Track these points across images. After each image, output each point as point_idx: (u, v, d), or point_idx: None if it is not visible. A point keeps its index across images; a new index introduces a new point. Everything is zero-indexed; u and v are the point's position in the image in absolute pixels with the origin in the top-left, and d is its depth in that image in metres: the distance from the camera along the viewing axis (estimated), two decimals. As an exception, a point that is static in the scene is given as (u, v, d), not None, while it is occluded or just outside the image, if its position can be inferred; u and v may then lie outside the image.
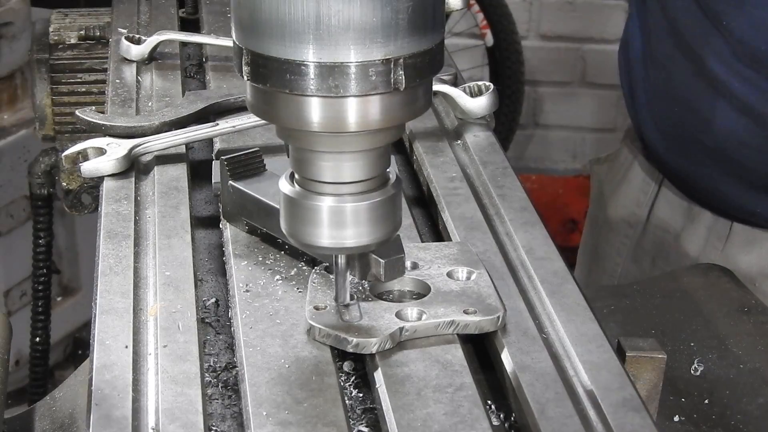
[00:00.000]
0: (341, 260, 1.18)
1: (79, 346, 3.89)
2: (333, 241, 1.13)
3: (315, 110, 1.04)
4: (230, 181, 1.41)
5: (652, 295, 1.82)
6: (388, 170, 1.14)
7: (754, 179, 2.01)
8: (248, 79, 1.06)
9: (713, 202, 2.10)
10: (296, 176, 1.14)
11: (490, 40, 4.79)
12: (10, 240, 3.56)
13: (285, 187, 1.14)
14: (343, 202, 1.11)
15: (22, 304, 3.60)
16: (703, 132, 2.02)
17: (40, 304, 2.92)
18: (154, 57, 1.92)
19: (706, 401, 1.56)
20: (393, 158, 1.17)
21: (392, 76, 1.02)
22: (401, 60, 1.02)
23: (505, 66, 4.79)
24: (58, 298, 3.77)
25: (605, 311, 1.74)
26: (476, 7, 4.79)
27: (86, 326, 3.73)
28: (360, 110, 1.04)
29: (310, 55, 1.01)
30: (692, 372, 1.60)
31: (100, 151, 1.56)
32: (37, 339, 2.94)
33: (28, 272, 3.08)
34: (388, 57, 1.01)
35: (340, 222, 1.12)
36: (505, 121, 4.80)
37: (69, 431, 1.35)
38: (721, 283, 1.84)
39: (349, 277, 1.20)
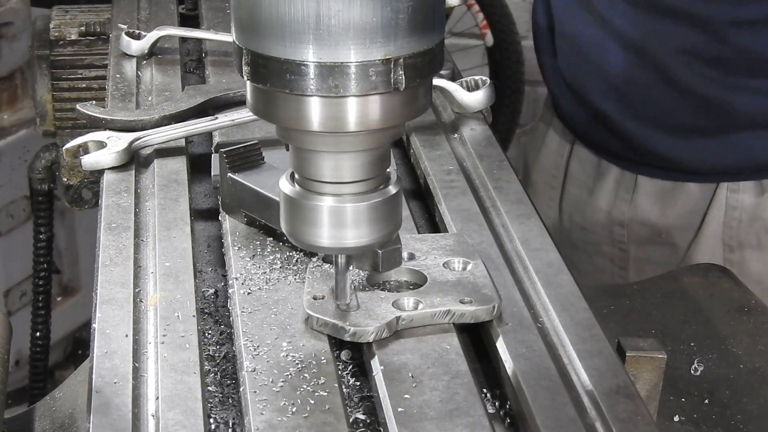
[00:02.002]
0: (341, 260, 1.19)
1: (79, 346, 3.90)
2: (333, 241, 1.13)
3: (315, 110, 1.05)
4: (229, 174, 1.42)
5: (651, 295, 1.82)
6: (388, 170, 1.15)
7: (647, 116, 2.08)
8: (248, 79, 1.06)
9: (619, 151, 2.18)
10: (296, 176, 1.14)
11: (490, 40, 4.79)
12: (10, 240, 3.56)
13: (285, 186, 1.14)
14: (343, 202, 1.12)
15: (22, 304, 3.60)
16: (598, 73, 2.11)
17: (40, 301, 2.92)
18: (154, 52, 1.94)
19: (706, 401, 1.56)
20: (391, 152, 1.18)
21: (392, 76, 1.03)
22: (401, 60, 1.03)
23: (505, 66, 4.79)
24: (58, 298, 3.77)
25: (605, 311, 1.75)
26: (476, 7, 4.79)
27: (86, 326, 3.73)
28: (360, 110, 1.05)
29: (310, 55, 1.01)
30: (692, 372, 1.60)
31: (101, 145, 1.57)
32: (38, 334, 2.94)
33: (28, 272, 3.08)
34: (388, 57, 1.02)
35: (340, 222, 1.12)
36: (505, 121, 4.80)
37: (69, 431, 1.36)
38: (721, 283, 1.84)
39: (349, 278, 1.21)
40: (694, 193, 2.13)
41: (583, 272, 2.30)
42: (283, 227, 1.16)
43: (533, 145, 2.37)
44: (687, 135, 2.08)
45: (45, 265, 2.85)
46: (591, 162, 2.24)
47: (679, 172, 2.13)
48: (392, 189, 1.14)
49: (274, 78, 1.04)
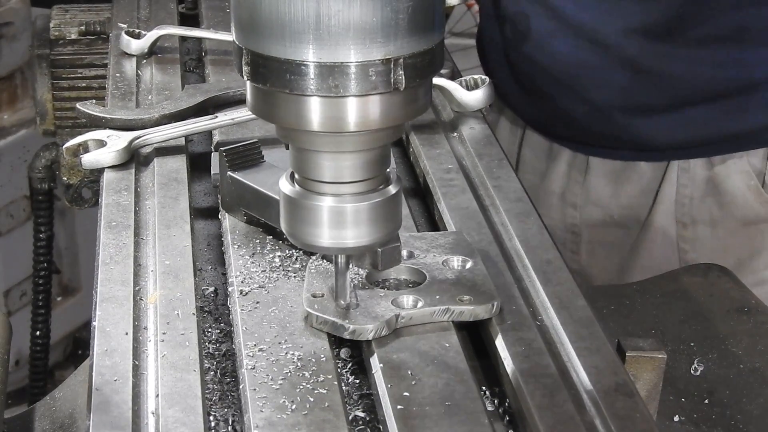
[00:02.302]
0: (341, 260, 1.19)
1: (79, 346, 3.89)
2: (333, 241, 1.14)
3: (315, 110, 1.05)
4: (229, 172, 1.43)
5: (651, 295, 1.82)
6: (388, 170, 1.15)
7: (598, 99, 2.09)
8: (248, 79, 1.06)
9: (570, 136, 2.20)
10: (296, 176, 1.14)
11: (490, 40, 4.79)
12: (10, 240, 3.56)
13: (285, 187, 1.15)
14: (343, 202, 1.12)
15: (22, 304, 3.60)
16: (546, 62, 2.12)
17: (40, 300, 2.92)
18: (153, 51, 1.94)
19: (706, 401, 1.56)
20: (390, 152, 1.18)
21: (392, 76, 1.03)
22: (401, 60, 1.03)
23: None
24: (58, 298, 3.77)
25: (605, 311, 1.75)
26: (476, 7, 4.79)
27: (86, 326, 3.73)
28: (360, 110, 1.05)
29: (310, 55, 1.01)
30: (692, 372, 1.60)
31: (101, 143, 1.57)
32: (38, 333, 2.94)
33: (28, 272, 3.08)
34: (388, 57, 1.02)
35: (340, 222, 1.13)
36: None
37: (69, 431, 1.36)
38: (721, 282, 1.84)
39: (349, 277, 1.21)
40: (646, 172, 2.14)
41: None
42: (283, 227, 1.17)
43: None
44: (639, 113, 2.09)
45: (45, 265, 2.86)
46: (542, 146, 2.26)
47: (630, 150, 2.14)
48: (392, 189, 1.14)
49: (274, 78, 1.04)
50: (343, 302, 1.22)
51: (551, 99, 2.16)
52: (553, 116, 2.19)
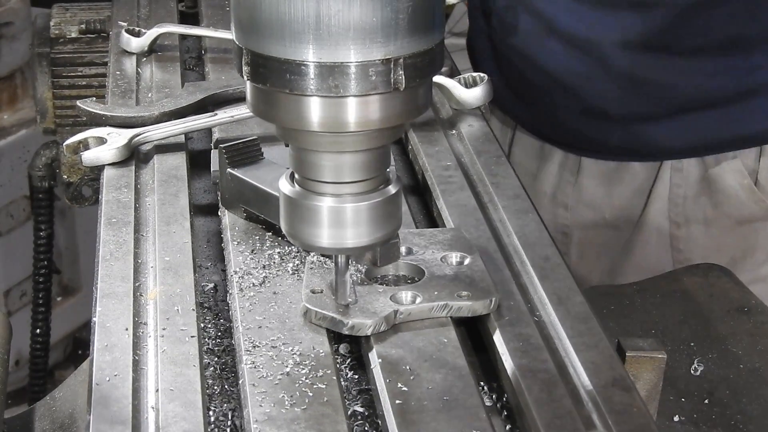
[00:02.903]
0: (341, 260, 1.20)
1: (79, 346, 3.89)
2: (333, 241, 1.14)
3: (315, 110, 1.05)
4: (228, 169, 1.43)
5: (651, 295, 1.82)
6: (388, 170, 1.15)
7: (591, 107, 2.10)
8: (248, 79, 1.07)
9: (562, 139, 2.20)
10: (296, 176, 1.14)
11: (489, 40, 4.79)
12: (10, 240, 3.57)
13: (285, 187, 1.15)
14: (343, 202, 1.12)
15: (22, 304, 3.60)
16: (538, 68, 2.13)
17: (40, 299, 2.93)
18: (153, 49, 1.95)
19: (706, 401, 1.56)
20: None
21: (392, 76, 1.03)
22: (401, 60, 1.03)
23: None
24: (58, 298, 3.77)
25: (605, 311, 1.75)
26: (473, 6, 4.79)
27: (86, 326, 3.73)
28: (360, 110, 1.05)
29: (310, 55, 1.02)
30: (692, 372, 1.60)
31: (101, 141, 1.58)
32: (38, 331, 2.95)
33: (28, 272, 3.09)
34: (388, 57, 1.02)
35: (340, 222, 1.13)
36: (504, 121, 4.80)
37: (69, 431, 1.37)
38: (720, 283, 1.84)
39: (349, 278, 1.22)
40: (639, 172, 2.14)
41: None
42: (283, 227, 1.17)
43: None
44: (632, 121, 2.10)
45: (45, 263, 2.86)
46: (534, 146, 2.26)
47: (623, 152, 2.15)
48: (392, 189, 1.15)
49: (274, 78, 1.04)
50: (343, 302, 1.22)
51: (542, 102, 2.17)
52: (544, 118, 2.20)
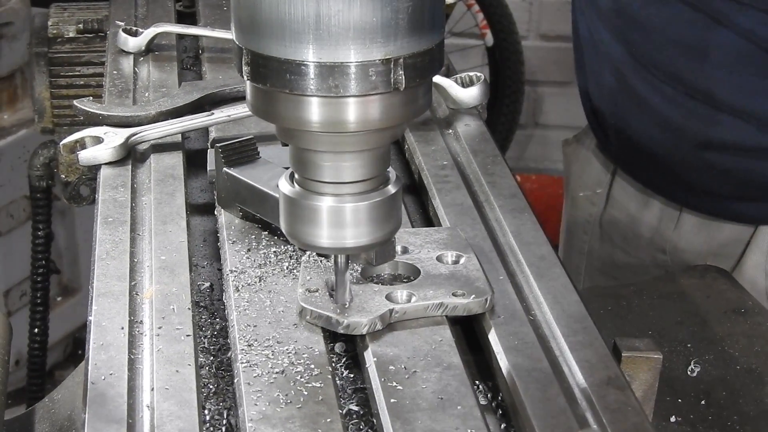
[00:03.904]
0: (341, 260, 1.20)
1: (79, 346, 3.89)
2: (333, 241, 1.14)
3: (315, 110, 1.05)
4: (225, 168, 1.43)
5: (649, 297, 1.82)
6: (388, 170, 1.15)
7: (689, 180, 2.09)
8: (248, 79, 1.07)
9: (664, 190, 2.18)
10: (296, 176, 1.14)
11: (490, 40, 4.79)
12: (10, 240, 3.57)
13: (285, 187, 1.15)
14: (342, 202, 1.12)
15: (22, 304, 3.60)
16: (635, 138, 2.11)
17: (38, 298, 2.93)
18: (151, 49, 1.95)
19: (703, 402, 1.56)
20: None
21: (392, 76, 1.03)
22: (401, 60, 1.03)
23: (505, 66, 4.79)
24: (58, 298, 3.78)
25: (602, 312, 1.75)
26: (476, 7, 4.79)
27: (86, 326, 3.73)
28: (360, 110, 1.05)
29: (310, 55, 1.01)
30: (689, 373, 1.60)
31: (98, 140, 1.58)
32: (36, 331, 2.95)
33: (28, 272, 3.08)
34: (388, 57, 1.02)
35: (339, 222, 1.13)
36: (505, 121, 4.81)
37: (67, 433, 1.37)
38: (717, 284, 1.84)
39: (348, 278, 1.22)
40: (737, 227, 2.12)
41: None
42: (283, 227, 1.17)
43: (575, 158, 2.36)
44: (729, 199, 2.08)
45: (43, 263, 2.86)
46: (634, 190, 2.23)
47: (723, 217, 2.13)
48: (392, 189, 1.15)
49: (274, 78, 1.04)
50: (342, 303, 1.22)
51: (643, 162, 2.15)
52: (646, 165, 2.18)
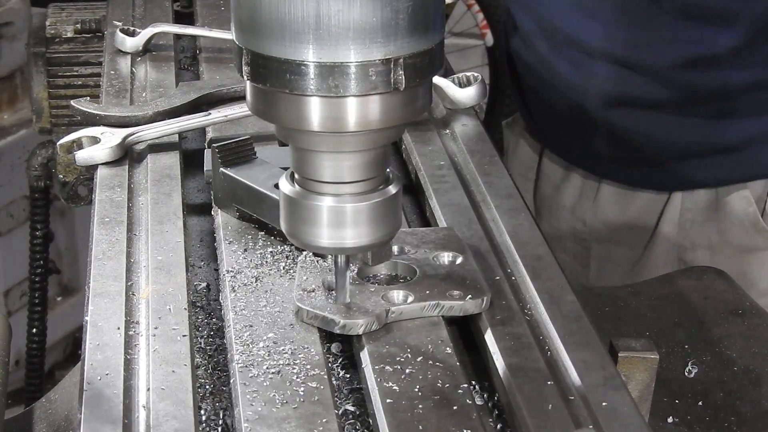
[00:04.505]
0: (341, 260, 1.20)
1: (78, 346, 3.85)
2: (333, 241, 1.14)
3: (315, 110, 1.05)
4: (221, 168, 1.43)
5: (646, 298, 1.82)
6: (388, 170, 1.15)
7: (599, 148, 2.15)
8: (248, 79, 1.07)
9: (583, 163, 2.24)
10: (296, 176, 1.14)
11: (490, 40, 4.79)
12: (10, 240, 3.57)
13: (285, 186, 1.15)
14: (343, 202, 1.12)
15: (22, 304, 3.60)
16: (551, 110, 2.20)
17: (37, 298, 2.93)
18: (148, 49, 1.95)
19: (700, 403, 1.56)
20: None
21: (392, 76, 1.03)
22: (401, 60, 1.03)
23: (505, 66, 4.79)
24: (58, 298, 3.78)
25: (599, 313, 1.75)
26: (476, 7, 4.79)
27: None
28: (360, 110, 1.05)
29: (310, 55, 1.01)
30: (686, 374, 1.60)
31: (95, 140, 1.58)
32: (34, 331, 2.95)
33: (28, 272, 3.09)
34: (388, 57, 1.02)
35: (340, 222, 1.13)
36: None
37: (65, 433, 1.37)
38: (715, 285, 1.84)
39: (348, 278, 1.22)
40: (650, 196, 2.16)
41: None
42: (283, 227, 1.17)
43: (513, 138, 2.43)
44: (638, 165, 2.13)
45: (41, 263, 2.86)
46: (558, 161, 2.29)
47: (637, 185, 2.18)
48: (392, 189, 1.15)
49: (274, 78, 1.04)
50: (342, 303, 1.22)
51: (558, 139, 2.23)
52: (564, 149, 2.25)
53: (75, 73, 2.23)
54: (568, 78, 2.10)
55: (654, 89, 2.03)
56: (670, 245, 2.15)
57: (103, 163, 1.56)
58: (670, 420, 1.52)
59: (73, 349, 3.91)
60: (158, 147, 1.61)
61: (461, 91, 1.73)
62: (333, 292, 1.24)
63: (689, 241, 2.14)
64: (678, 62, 1.98)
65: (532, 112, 2.28)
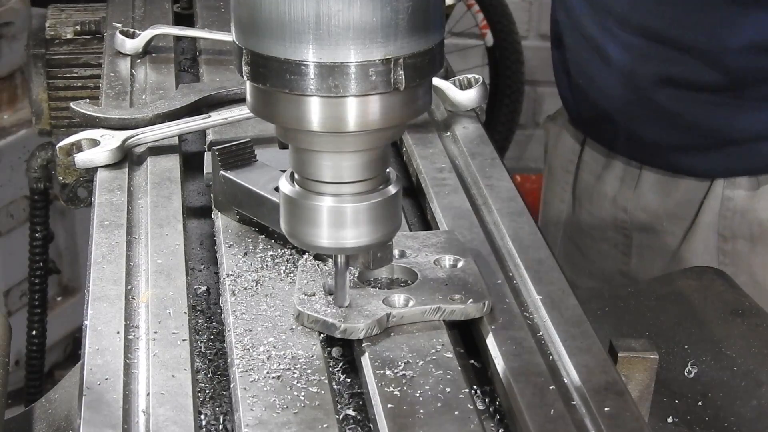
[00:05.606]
0: (341, 261, 1.19)
1: (79, 347, 3.87)
2: (333, 241, 1.13)
3: (315, 110, 1.05)
4: (221, 171, 1.43)
5: (646, 298, 1.82)
6: (388, 170, 1.15)
7: (643, 137, 2.18)
8: (248, 79, 1.06)
9: (624, 150, 2.27)
10: (296, 176, 1.14)
11: (490, 40, 4.79)
12: (10, 240, 3.57)
13: (285, 186, 1.14)
14: (343, 202, 1.12)
15: (22, 304, 3.60)
16: (597, 95, 2.23)
17: (36, 299, 2.93)
18: (148, 51, 1.94)
19: (700, 403, 1.56)
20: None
21: (392, 76, 1.03)
22: (401, 60, 1.03)
23: (505, 66, 4.79)
24: (58, 298, 3.77)
25: (599, 313, 1.75)
26: (476, 7, 4.79)
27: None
28: (360, 110, 1.05)
29: (310, 55, 1.01)
30: (686, 374, 1.60)
31: (94, 143, 1.58)
32: (34, 332, 2.95)
33: (27, 272, 3.09)
34: (388, 57, 1.02)
35: (340, 222, 1.12)
36: (505, 121, 4.81)
37: (64, 434, 1.37)
38: (715, 285, 1.84)
39: (349, 281, 1.21)
40: (692, 184, 2.17)
41: (590, 258, 2.36)
42: (283, 227, 1.17)
43: (555, 131, 2.45)
44: (682, 150, 2.14)
45: (41, 264, 2.86)
46: (600, 150, 2.31)
47: (678, 171, 2.19)
48: (392, 189, 1.14)
49: (274, 78, 1.03)
50: (342, 304, 1.22)
51: (604, 120, 2.23)
52: (608, 133, 2.27)
53: (74, 75, 2.23)
54: (617, 59, 2.10)
55: (705, 72, 2.02)
56: (710, 235, 2.15)
57: (102, 166, 1.56)
58: (670, 420, 1.52)
59: (73, 350, 3.91)
60: (158, 150, 1.61)
61: (462, 93, 1.72)
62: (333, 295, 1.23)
63: (729, 230, 2.14)
64: (733, 46, 1.98)
65: (576, 98, 2.29)
